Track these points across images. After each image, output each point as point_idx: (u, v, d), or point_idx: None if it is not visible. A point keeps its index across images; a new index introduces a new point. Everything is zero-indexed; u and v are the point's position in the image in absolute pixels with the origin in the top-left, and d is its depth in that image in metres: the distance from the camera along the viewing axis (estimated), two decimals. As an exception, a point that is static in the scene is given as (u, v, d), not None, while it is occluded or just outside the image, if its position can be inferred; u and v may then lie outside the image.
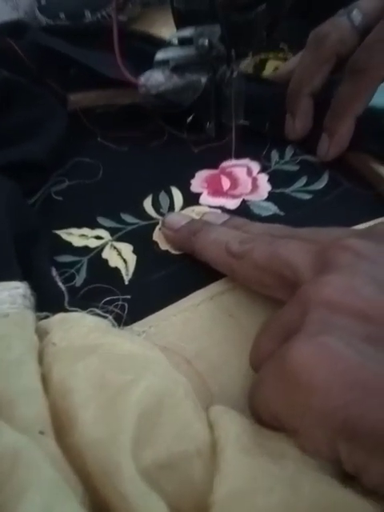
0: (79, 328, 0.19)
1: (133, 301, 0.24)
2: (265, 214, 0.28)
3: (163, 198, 0.29)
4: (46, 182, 0.31)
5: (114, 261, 0.26)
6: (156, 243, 0.27)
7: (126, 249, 0.27)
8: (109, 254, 0.26)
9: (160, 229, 0.27)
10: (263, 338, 0.19)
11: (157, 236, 0.27)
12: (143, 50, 0.36)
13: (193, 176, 0.31)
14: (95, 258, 0.26)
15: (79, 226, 0.28)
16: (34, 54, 0.35)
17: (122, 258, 0.26)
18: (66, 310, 0.20)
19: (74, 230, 0.28)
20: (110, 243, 0.27)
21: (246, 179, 0.30)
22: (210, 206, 0.29)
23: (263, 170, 0.31)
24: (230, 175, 0.31)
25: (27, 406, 0.16)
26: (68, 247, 0.27)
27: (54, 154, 0.31)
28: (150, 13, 0.50)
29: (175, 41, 0.32)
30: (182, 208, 0.29)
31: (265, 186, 0.29)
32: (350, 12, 0.28)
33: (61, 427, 0.16)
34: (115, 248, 0.27)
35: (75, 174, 0.31)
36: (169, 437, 0.16)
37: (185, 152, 0.33)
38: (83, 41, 0.39)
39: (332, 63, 0.28)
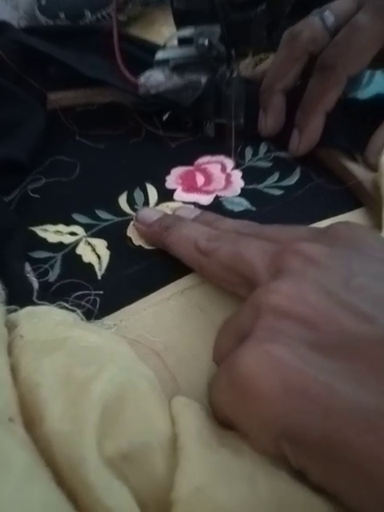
0: (46, 321, 0.20)
1: (105, 295, 0.24)
2: (237, 209, 0.28)
3: (138, 195, 0.30)
4: (23, 180, 0.31)
5: (87, 256, 0.26)
6: (130, 239, 0.27)
7: (100, 244, 0.27)
8: (83, 250, 0.27)
9: (133, 224, 0.27)
10: (222, 336, 0.20)
11: (131, 232, 0.28)
12: (137, 55, 0.37)
13: (168, 173, 0.31)
14: (69, 253, 0.27)
15: (55, 223, 0.28)
16: (13, 54, 0.36)
17: (95, 253, 0.27)
18: (34, 304, 0.21)
19: (50, 227, 0.28)
20: (84, 239, 0.27)
21: (220, 175, 0.30)
22: (184, 202, 0.29)
23: (237, 166, 0.31)
24: (204, 172, 0.31)
25: None
26: (43, 243, 0.27)
27: (32, 153, 0.31)
28: (149, 12, 0.50)
29: (175, 41, 0.32)
30: (157, 204, 0.29)
31: (238, 182, 0.30)
32: (322, 12, 0.29)
33: (29, 419, 0.16)
34: (89, 244, 0.27)
35: (52, 172, 0.32)
36: (131, 429, 0.16)
37: (161, 149, 0.33)
38: (76, 42, 0.39)
39: (303, 61, 0.29)
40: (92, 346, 0.19)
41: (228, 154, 0.32)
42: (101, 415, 0.16)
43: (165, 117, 0.34)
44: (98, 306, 0.24)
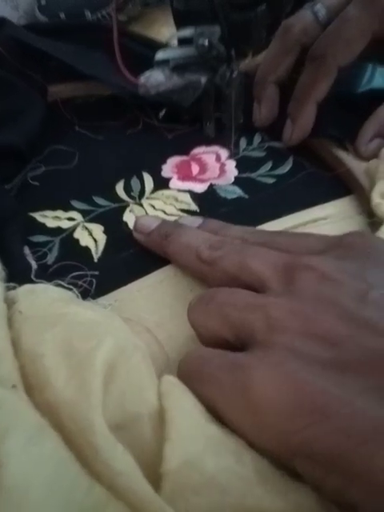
0: (44, 298, 0.20)
1: (100, 276, 0.25)
2: (230, 196, 0.29)
3: (134, 183, 0.31)
4: (23, 168, 0.32)
5: (84, 240, 0.27)
6: (125, 224, 0.28)
7: (97, 229, 0.28)
8: (80, 234, 0.28)
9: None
10: (211, 317, 0.19)
11: (127, 217, 0.28)
12: (139, 52, 0.37)
13: (164, 162, 0.32)
14: (67, 237, 0.27)
15: (53, 209, 0.29)
16: (13, 48, 0.37)
17: (92, 237, 0.27)
18: (32, 283, 0.21)
19: (49, 213, 0.29)
20: (81, 224, 0.28)
21: (215, 165, 0.31)
22: (179, 190, 0.30)
23: (231, 156, 0.32)
24: (199, 161, 0.32)
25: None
26: (42, 228, 0.28)
27: (31, 141, 0.32)
28: (149, 13, 0.50)
29: (175, 41, 0.32)
30: (153, 192, 0.30)
31: (232, 171, 0.31)
32: (314, 6, 0.30)
33: (31, 387, 0.17)
34: (86, 228, 0.28)
35: (52, 161, 0.33)
36: (124, 399, 0.17)
37: (158, 140, 0.34)
38: (77, 37, 0.40)
39: (295, 53, 0.30)
40: (88, 321, 0.19)
41: (223, 144, 0.33)
42: (103, 384, 0.16)
43: (161, 114, 0.35)
44: (93, 287, 0.24)
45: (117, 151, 0.34)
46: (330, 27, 0.28)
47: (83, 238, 0.27)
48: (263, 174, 0.30)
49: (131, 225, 0.28)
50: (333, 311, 0.16)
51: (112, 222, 0.28)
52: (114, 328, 0.19)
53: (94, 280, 0.25)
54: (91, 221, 0.28)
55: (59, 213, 0.29)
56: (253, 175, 0.30)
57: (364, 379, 0.14)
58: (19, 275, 0.22)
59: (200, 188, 0.30)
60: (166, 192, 0.30)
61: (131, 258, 0.26)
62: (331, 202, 0.28)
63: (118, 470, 0.14)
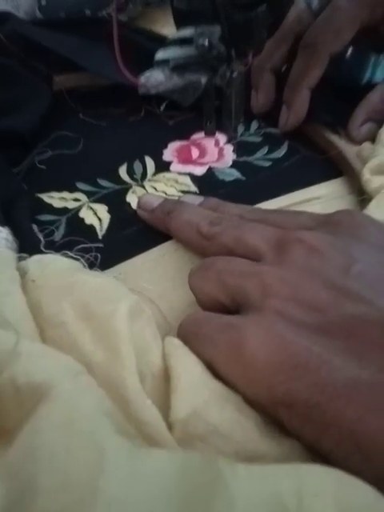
0: (54, 267, 0.22)
1: (105, 251, 0.26)
2: (228, 178, 0.31)
3: (137, 166, 0.32)
4: (30, 153, 0.34)
5: (89, 219, 0.29)
6: (129, 204, 0.29)
7: (101, 209, 0.29)
8: (85, 214, 0.29)
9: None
10: (207, 281, 0.21)
11: (130, 198, 0.30)
12: (143, 46, 0.39)
13: (165, 146, 0.33)
14: (73, 216, 0.29)
15: (59, 190, 0.31)
16: (17, 41, 0.38)
17: (97, 216, 0.29)
18: (42, 253, 0.23)
19: (55, 194, 0.30)
20: (86, 204, 0.30)
21: (213, 149, 0.33)
22: (179, 173, 0.31)
23: (229, 141, 0.33)
24: (199, 146, 0.33)
25: (20, 329, 0.18)
26: (49, 208, 0.29)
27: (37, 127, 0.34)
28: (150, 12, 0.51)
29: (175, 41, 0.32)
30: (154, 174, 0.32)
31: (230, 155, 0.32)
32: None
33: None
34: (91, 208, 0.29)
35: (57, 146, 0.34)
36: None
37: (159, 126, 0.36)
38: (80, 31, 0.42)
39: (290, 41, 0.31)
40: (100, 286, 0.20)
41: (222, 130, 0.34)
42: (133, 348, 0.18)
43: (162, 107, 0.36)
44: (98, 261, 0.26)
45: (120, 137, 0.35)
46: (320, 16, 0.29)
47: (88, 216, 0.29)
48: (260, 158, 0.32)
49: (134, 205, 0.29)
50: (319, 280, 0.18)
51: (115, 202, 0.30)
52: (124, 293, 0.20)
53: (99, 254, 0.26)
54: (96, 201, 0.30)
55: (65, 194, 0.30)
56: (250, 159, 0.32)
57: (343, 342, 0.16)
58: (29, 247, 0.24)
59: (199, 171, 0.31)
60: (166, 175, 0.31)
61: (134, 235, 0.28)
62: (324, 183, 0.29)
63: (145, 420, 0.16)
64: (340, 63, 0.32)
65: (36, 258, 0.22)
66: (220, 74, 0.31)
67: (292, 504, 0.12)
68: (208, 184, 0.30)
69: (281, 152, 0.32)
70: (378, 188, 0.26)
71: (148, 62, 0.34)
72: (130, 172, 0.32)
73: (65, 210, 0.29)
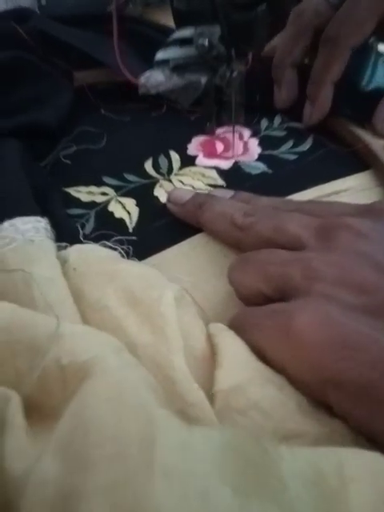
0: (94, 256, 0.22)
1: (137, 244, 0.26)
2: (254, 172, 0.31)
3: (162, 160, 0.32)
4: (55, 147, 0.34)
5: (118, 212, 0.29)
6: (157, 198, 0.30)
7: (130, 203, 0.29)
8: (114, 207, 0.29)
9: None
10: (249, 274, 0.21)
11: (157, 192, 0.30)
12: (147, 36, 0.39)
13: (189, 141, 0.34)
14: (102, 210, 0.29)
15: (86, 185, 0.31)
16: (38, 37, 0.38)
17: (126, 210, 0.29)
18: (81, 243, 0.23)
19: (82, 188, 0.31)
20: (114, 198, 0.30)
21: (238, 143, 0.33)
22: (205, 167, 0.32)
23: (254, 135, 0.34)
24: (223, 140, 0.33)
25: (63, 312, 0.18)
26: (77, 202, 0.30)
27: (60, 121, 0.34)
28: (150, 13, 0.51)
29: (175, 41, 0.33)
30: (180, 168, 0.32)
31: (255, 148, 0.32)
32: None
33: None
34: (120, 202, 0.29)
35: (81, 141, 0.34)
36: None
37: (182, 121, 0.36)
38: (94, 27, 0.42)
39: (309, 36, 0.31)
40: (142, 275, 0.21)
41: (244, 125, 0.34)
42: (180, 334, 0.18)
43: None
44: (131, 254, 0.26)
45: (143, 132, 0.35)
46: (341, 9, 0.29)
47: (117, 210, 0.29)
48: (285, 151, 0.32)
49: (162, 199, 0.29)
50: (366, 264, 0.18)
51: (143, 196, 0.30)
52: (166, 281, 0.21)
53: (131, 247, 0.26)
54: (123, 195, 0.30)
55: (92, 188, 0.31)
56: (275, 152, 0.32)
57: None
58: (67, 237, 0.24)
59: (225, 164, 0.31)
60: (193, 169, 0.32)
61: (164, 228, 0.28)
62: (351, 176, 0.29)
63: (191, 401, 0.16)
64: None
65: (76, 247, 0.23)
66: (220, 73, 0.31)
67: (335, 483, 0.13)
68: (235, 177, 0.31)
69: (306, 145, 0.32)
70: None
71: (151, 52, 0.34)
72: (156, 166, 0.32)
73: (93, 204, 0.29)
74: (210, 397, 0.17)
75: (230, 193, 0.27)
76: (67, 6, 0.48)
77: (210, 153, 0.32)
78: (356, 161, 0.31)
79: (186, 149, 0.33)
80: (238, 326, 0.19)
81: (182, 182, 0.31)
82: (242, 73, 0.32)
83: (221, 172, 0.31)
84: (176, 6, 0.31)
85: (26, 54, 0.36)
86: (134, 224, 0.28)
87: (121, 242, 0.26)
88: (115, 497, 0.11)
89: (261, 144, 0.33)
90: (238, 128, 0.34)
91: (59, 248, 0.22)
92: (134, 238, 0.27)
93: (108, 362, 0.14)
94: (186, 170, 0.32)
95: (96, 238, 0.27)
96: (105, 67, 0.40)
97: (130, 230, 0.28)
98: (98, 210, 0.29)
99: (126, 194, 0.30)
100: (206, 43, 0.29)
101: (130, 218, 0.28)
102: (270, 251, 0.21)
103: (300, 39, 0.32)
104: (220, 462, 0.12)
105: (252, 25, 0.30)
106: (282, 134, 0.34)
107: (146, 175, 0.31)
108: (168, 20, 0.33)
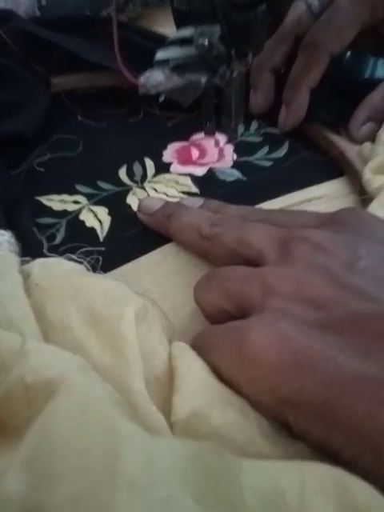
0: (58, 270, 0.22)
1: (106, 254, 0.26)
2: (229, 179, 0.31)
3: (137, 168, 0.32)
4: (29, 155, 0.34)
5: (90, 221, 0.28)
6: (129, 206, 0.29)
7: (102, 211, 0.29)
8: (85, 216, 0.29)
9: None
10: (212, 291, 0.21)
11: (130, 200, 0.30)
12: (141, 46, 0.38)
13: (165, 148, 0.33)
14: (73, 219, 0.29)
15: (59, 193, 0.30)
16: (18, 40, 0.38)
17: (97, 219, 0.29)
18: (45, 257, 0.23)
19: (54, 196, 0.30)
20: (86, 207, 0.29)
21: (214, 149, 0.33)
22: (180, 174, 0.31)
23: (230, 141, 0.33)
24: (198, 146, 0.33)
25: (25, 331, 0.18)
26: (48, 211, 0.29)
27: (36, 130, 0.34)
28: (150, 13, 0.51)
29: (175, 41, 0.32)
30: (154, 176, 0.31)
31: (230, 155, 0.32)
32: None
33: None
34: (92, 211, 0.29)
35: (57, 148, 0.34)
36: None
37: (159, 127, 0.35)
38: (81, 31, 0.41)
39: (290, 42, 0.31)
40: (105, 289, 0.20)
41: (222, 130, 0.34)
42: (140, 354, 0.18)
43: (161, 99, 0.36)
44: (100, 263, 0.26)
45: (119, 139, 0.35)
46: (322, 17, 0.29)
47: (88, 219, 0.29)
48: (260, 158, 0.32)
49: (134, 207, 0.29)
50: (323, 277, 0.18)
51: (116, 204, 0.29)
52: (129, 296, 0.20)
53: (100, 257, 0.26)
54: (96, 204, 0.30)
55: (65, 196, 0.30)
56: (250, 159, 0.32)
57: (347, 338, 0.16)
58: (32, 250, 0.23)
59: (200, 171, 0.31)
60: (167, 176, 0.31)
61: (135, 237, 0.27)
62: (325, 183, 0.29)
63: (150, 424, 0.16)
64: (339, 64, 0.32)
65: (39, 261, 0.22)
66: (220, 74, 0.31)
67: (294, 502, 0.12)
68: (209, 184, 0.30)
69: (281, 152, 0.32)
70: (379, 188, 0.26)
71: (148, 62, 0.34)
72: (130, 174, 0.32)
73: (64, 213, 0.29)
74: (170, 425, 0.17)
75: (199, 201, 0.27)
76: (67, 7, 0.48)
77: (185, 160, 0.32)
78: (331, 167, 0.30)
79: (162, 156, 0.33)
80: (198, 346, 0.19)
81: (155, 189, 0.30)
82: (242, 73, 0.31)
83: (195, 179, 0.31)
84: (176, 6, 0.30)
85: (2, 60, 0.36)
86: (104, 233, 0.28)
87: (89, 253, 0.25)
88: (79, 509, 0.11)
89: (236, 150, 0.32)
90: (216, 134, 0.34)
91: (23, 262, 0.22)
92: (103, 248, 0.26)
93: (74, 379, 0.14)
94: (160, 177, 0.31)
95: (66, 249, 0.27)
96: (86, 72, 0.40)
97: (101, 240, 0.27)
98: (69, 219, 0.29)
99: (99, 203, 0.30)
100: (206, 43, 0.29)
101: (102, 227, 0.28)
102: (230, 268, 0.21)
103: (280, 45, 0.32)
104: (182, 473, 0.12)
105: (252, 25, 0.29)
106: (258, 139, 0.33)
107: (119, 183, 0.31)
108: (168, 20, 0.32)
